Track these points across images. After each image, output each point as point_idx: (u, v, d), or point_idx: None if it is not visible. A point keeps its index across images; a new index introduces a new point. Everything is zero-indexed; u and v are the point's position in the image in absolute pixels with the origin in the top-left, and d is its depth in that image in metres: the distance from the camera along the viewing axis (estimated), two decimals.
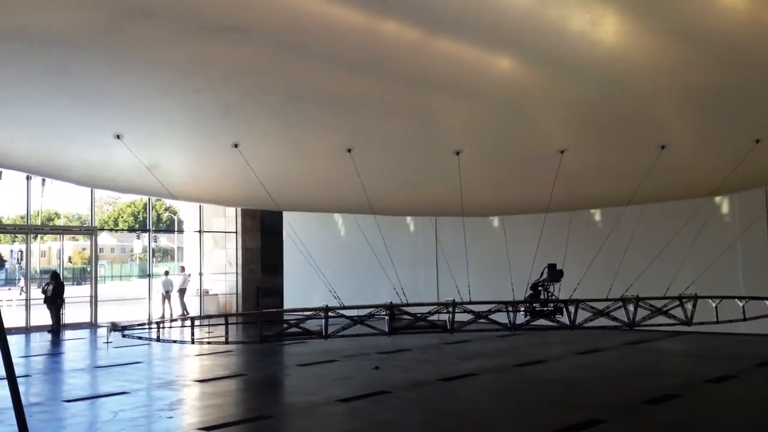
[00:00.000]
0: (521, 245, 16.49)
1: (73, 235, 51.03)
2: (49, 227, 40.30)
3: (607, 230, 13.55)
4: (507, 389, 10.58)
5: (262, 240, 26.79)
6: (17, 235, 40.80)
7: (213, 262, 26.48)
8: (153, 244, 29.48)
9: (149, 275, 24.62)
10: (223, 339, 9.30)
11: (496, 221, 18.99)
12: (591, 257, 11.83)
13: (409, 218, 21.85)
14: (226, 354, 15.18)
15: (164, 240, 78.84)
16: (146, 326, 9.14)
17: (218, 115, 8.57)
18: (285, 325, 9.41)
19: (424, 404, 9.59)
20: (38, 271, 48.40)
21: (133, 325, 9.39)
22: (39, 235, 46.45)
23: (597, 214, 17.73)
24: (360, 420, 8.73)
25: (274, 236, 26.04)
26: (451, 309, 9.87)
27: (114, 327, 9.64)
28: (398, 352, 14.03)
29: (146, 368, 13.41)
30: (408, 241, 21.79)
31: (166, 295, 24.52)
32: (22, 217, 24.52)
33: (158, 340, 8.97)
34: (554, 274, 10.29)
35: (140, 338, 9.56)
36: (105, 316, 22.46)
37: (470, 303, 10.19)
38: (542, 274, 10.59)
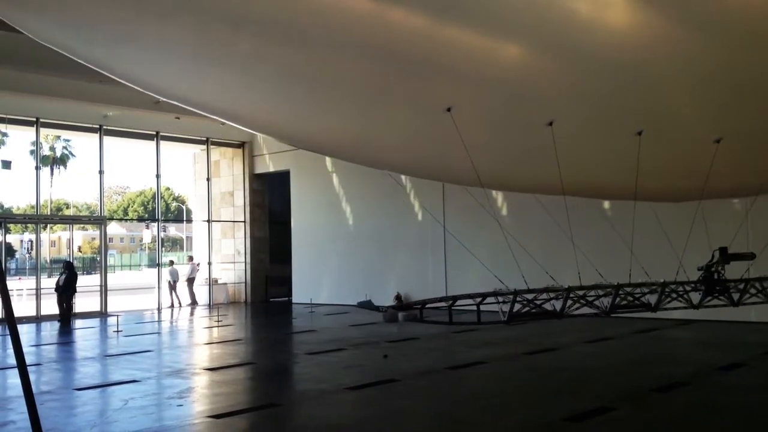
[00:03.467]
0: (530, 233, 16.47)
1: (82, 225, 51.28)
2: (58, 217, 40.55)
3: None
4: (515, 377, 10.58)
5: (271, 229, 26.86)
6: (27, 225, 40.98)
7: (222, 252, 26.56)
8: (162, 234, 29.61)
9: (158, 265, 24.72)
10: (474, 320, 9.21)
11: (504, 210, 18.93)
12: (595, 244, 11.59)
13: (417, 207, 21.81)
14: (235, 342, 15.25)
15: (173, 229, 79.24)
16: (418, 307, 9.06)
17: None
18: (526, 305, 9.27)
19: (432, 392, 9.61)
20: (48, 261, 48.56)
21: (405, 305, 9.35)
22: (49, 225, 46.75)
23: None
24: (369, 408, 8.75)
25: (282, 225, 26.09)
26: (663, 288, 9.65)
27: (369, 306, 9.66)
28: (407, 341, 14.04)
29: (156, 357, 13.49)
30: (415, 231, 21.77)
31: (173, 285, 24.64)
32: (32, 207, 24.63)
33: (421, 320, 8.99)
34: (727, 256, 10.27)
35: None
36: (115, 305, 22.59)
37: (677, 283, 9.92)
38: (713, 257, 10.49)
